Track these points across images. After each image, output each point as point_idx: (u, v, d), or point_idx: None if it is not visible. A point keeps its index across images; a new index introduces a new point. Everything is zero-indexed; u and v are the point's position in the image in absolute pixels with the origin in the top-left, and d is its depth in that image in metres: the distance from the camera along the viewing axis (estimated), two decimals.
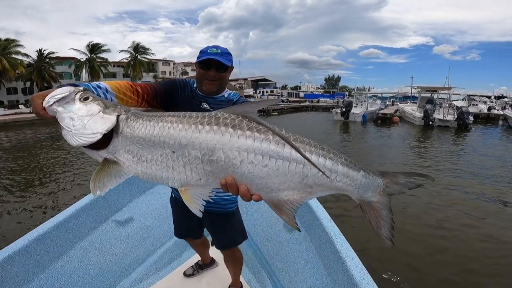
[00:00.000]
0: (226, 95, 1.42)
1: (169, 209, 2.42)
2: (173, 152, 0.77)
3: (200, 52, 1.32)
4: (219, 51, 1.29)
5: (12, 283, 1.50)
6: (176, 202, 1.64)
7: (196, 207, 0.82)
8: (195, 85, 1.41)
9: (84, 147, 0.80)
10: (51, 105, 0.80)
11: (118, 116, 0.82)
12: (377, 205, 0.84)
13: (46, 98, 0.81)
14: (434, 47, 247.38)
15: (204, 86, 1.34)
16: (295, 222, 0.80)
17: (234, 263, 1.78)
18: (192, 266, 2.09)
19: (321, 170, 0.73)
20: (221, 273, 2.05)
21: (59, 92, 0.81)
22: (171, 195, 1.69)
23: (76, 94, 0.82)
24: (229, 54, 1.33)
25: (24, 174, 7.96)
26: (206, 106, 1.37)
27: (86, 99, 0.82)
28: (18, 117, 23.20)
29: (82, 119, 0.79)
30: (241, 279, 1.95)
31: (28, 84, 34.62)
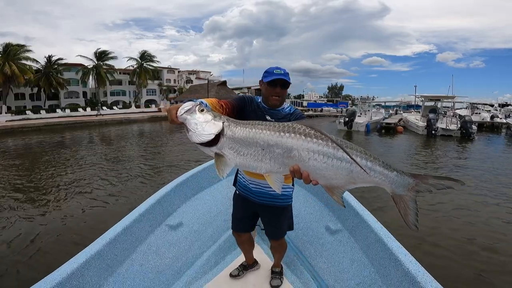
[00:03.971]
0: (285, 108, 1.73)
1: (213, 213, 2.66)
2: (263, 149, 1.11)
3: (266, 72, 1.63)
4: (282, 72, 1.60)
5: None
6: (239, 197, 1.93)
7: (278, 187, 1.19)
8: (259, 100, 1.72)
9: (201, 144, 1.15)
10: (182, 114, 1.15)
11: (223, 122, 1.16)
12: (406, 198, 1.12)
13: (179, 109, 1.17)
14: (437, 54, 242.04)
15: (270, 101, 1.65)
16: (342, 201, 1.16)
17: (281, 250, 2.08)
18: (237, 267, 2.25)
19: (362, 168, 1.04)
20: (264, 274, 2.20)
21: (186, 106, 1.16)
22: (235, 192, 1.97)
23: (196, 106, 1.17)
24: (288, 74, 1.64)
25: (33, 179, 8.01)
26: (268, 118, 1.65)
27: (202, 110, 1.17)
28: (25, 123, 23.39)
29: (202, 124, 1.13)
30: (285, 281, 2.11)
31: (35, 90, 35.02)
